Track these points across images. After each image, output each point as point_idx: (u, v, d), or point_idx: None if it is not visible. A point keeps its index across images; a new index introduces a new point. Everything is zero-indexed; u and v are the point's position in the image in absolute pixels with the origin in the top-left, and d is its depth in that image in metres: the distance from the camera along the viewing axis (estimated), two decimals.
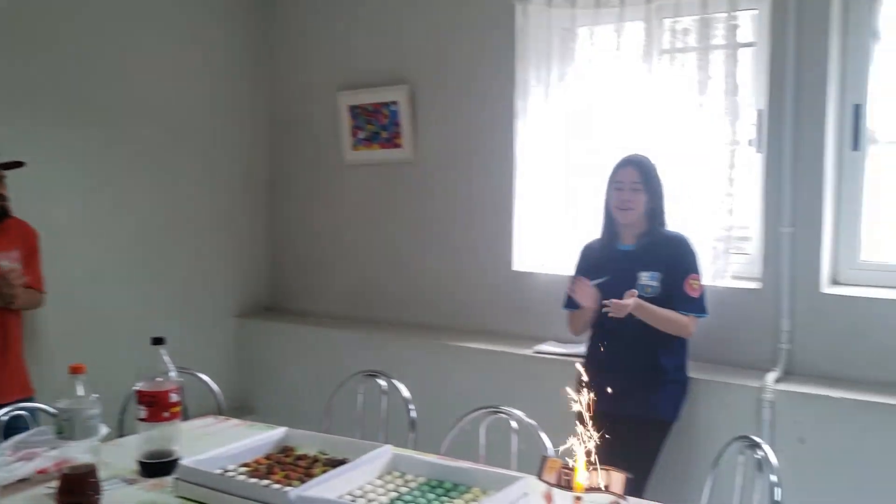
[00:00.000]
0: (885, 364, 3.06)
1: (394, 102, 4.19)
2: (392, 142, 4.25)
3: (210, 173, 4.56)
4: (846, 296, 3.16)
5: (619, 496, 1.45)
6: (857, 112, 3.20)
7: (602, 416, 3.08)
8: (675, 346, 3.07)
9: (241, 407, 4.56)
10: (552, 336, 3.74)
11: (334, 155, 4.51)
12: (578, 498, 1.47)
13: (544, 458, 1.55)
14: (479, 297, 4.07)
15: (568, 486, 1.51)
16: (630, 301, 2.90)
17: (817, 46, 3.14)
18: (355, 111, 4.34)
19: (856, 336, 3.11)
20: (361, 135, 4.35)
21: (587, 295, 3.03)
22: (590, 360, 3.21)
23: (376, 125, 4.29)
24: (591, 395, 3.17)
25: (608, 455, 3.04)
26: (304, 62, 4.65)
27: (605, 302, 2.93)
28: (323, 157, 4.59)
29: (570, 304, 3.19)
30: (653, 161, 3.13)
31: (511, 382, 3.61)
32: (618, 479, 1.46)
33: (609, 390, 3.03)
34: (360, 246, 4.52)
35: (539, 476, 1.55)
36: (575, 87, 3.67)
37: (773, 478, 2.10)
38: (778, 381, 3.11)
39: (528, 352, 3.65)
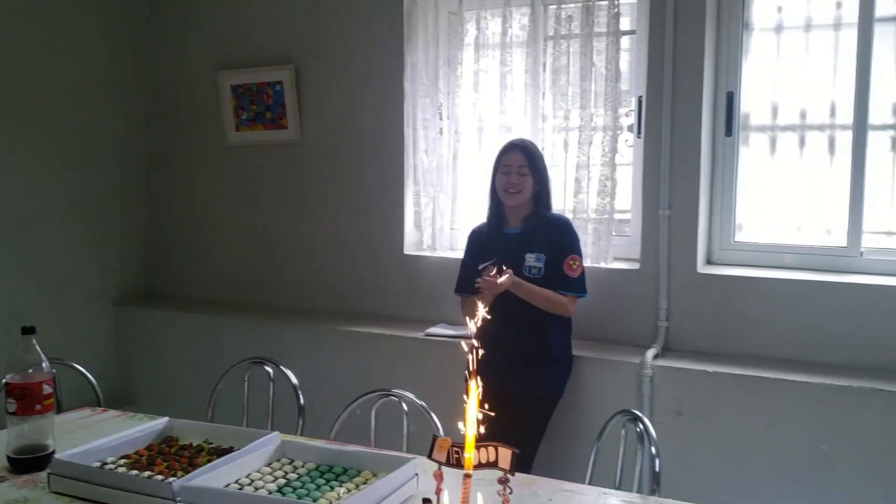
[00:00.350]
0: (757, 339, 3.23)
1: (278, 82, 4.09)
2: (277, 123, 4.16)
3: (84, 155, 4.34)
4: (720, 275, 3.31)
5: (508, 471, 1.47)
6: (730, 99, 3.35)
7: (490, 394, 3.14)
8: (560, 325, 3.15)
9: (120, 398, 4.39)
10: (443, 318, 3.76)
11: (216, 136, 4.38)
12: (468, 475, 1.48)
13: (434, 438, 1.55)
14: (369, 280, 4.05)
15: (458, 465, 1.52)
16: (504, 279, 2.94)
17: (693, 36, 3.26)
18: (238, 91, 4.22)
19: (730, 313, 3.27)
20: (245, 115, 4.24)
21: (493, 286, 3.05)
22: (480, 341, 3.25)
23: (260, 105, 4.18)
24: (479, 374, 3.22)
25: (495, 432, 3.11)
26: (183, 40, 4.48)
27: (478, 280, 2.97)
28: (204, 138, 4.45)
29: (462, 289, 3.22)
30: (537, 146, 3.19)
31: (402, 366, 3.61)
32: (506, 454, 1.48)
33: (496, 369, 3.12)
34: (245, 230, 4.41)
35: (429, 456, 1.55)
36: (463, 72, 3.70)
37: (653, 449, 2.18)
38: (657, 357, 3.24)
39: (419, 335, 3.66)
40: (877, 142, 3.18)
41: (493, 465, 1.50)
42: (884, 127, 3.18)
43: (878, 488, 2.83)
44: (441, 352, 3.52)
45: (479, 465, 1.50)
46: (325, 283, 4.18)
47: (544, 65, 3.53)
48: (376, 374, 3.44)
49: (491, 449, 1.50)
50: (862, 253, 3.20)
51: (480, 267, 3.12)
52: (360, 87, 3.99)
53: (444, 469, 1.55)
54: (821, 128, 3.30)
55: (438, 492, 1.52)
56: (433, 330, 3.68)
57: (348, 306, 4.10)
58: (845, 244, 3.23)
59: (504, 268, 2.98)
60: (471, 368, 1.59)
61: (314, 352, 3.86)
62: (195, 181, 4.54)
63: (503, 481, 1.48)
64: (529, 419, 3.09)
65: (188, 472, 1.95)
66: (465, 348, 1.68)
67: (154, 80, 4.60)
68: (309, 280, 4.23)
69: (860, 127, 3.16)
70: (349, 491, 1.91)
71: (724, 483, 3.05)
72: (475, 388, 1.54)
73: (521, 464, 2.98)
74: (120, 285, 4.61)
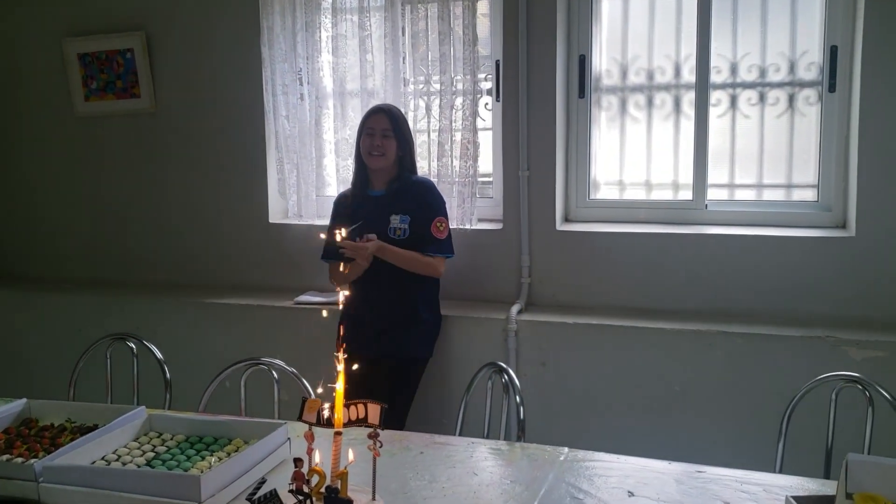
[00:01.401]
0: (613, 290, 3.40)
1: (129, 50, 3.92)
2: (129, 92, 3.99)
3: None
4: (577, 231, 3.46)
5: (377, 426, 1.52)
6: (582, 62, 3.47)
7: (362, 358, 3.18)
8: (428, 286, 3.22)
9: None
10: (312, 286, 3.75)
11: (64, 106, 4.16)
12: (338, 433, 1.52)
13: (304, 400, 1.58)
14: (235, 251, 3.98)
15: (328, 424, 1.55)
16: (369, 244, 2.98)
17: (546, 0, 3.34)
18: (86, 59, 4.02)
19: (587, 267, 3.43)
20: (94, 84, 4.04)
21: (359, 251, 3.05)
22: (349, 306, 3.28)
23: (110, 74, 4.00)
24: (350, 339, 3.25)
25: (369, 395, 3.16)
26: (24, 4, 4.19)
27: (340, 243, 2.97)
28: (51, 109, 4.22)
29: (329, 255, 3.22)
30: (401, 111, 3.23)
31: (273, 335, 3.59)
32: (374, 410, 1.53)
33: (365, 333, 3.16)
34: (99, 203, 4.22)
35: (300, 417, 1.58)
36: (321, 36, 3.66)
37: (518, 398, 2.28)
38: (521, 312, 3.36)
39: (289, 303, 3.64)
40: (718, 100, 3.39)
41: (362, 421, 1.54)
42: (723, 85, 3.39)
43: (727, 422, 3.07)
44: (311, 319, 3.52)
45: (349, 423, 1.53)
46: (188, 256, 4.08)
47: (403, 29, 3.54)
48: (246, 346, 3.40)
49: (360, 406, 1.53)
50: (706, 205, 3.42)
51: (347, 230, 3.14)
52: (215, 53, 3.88)
53: (316, 430, 1.58)
54: (667, 88, 3.48)
55: (310, 452, 1.55)
56: (302, 298, 3.67)
57: (215, 278, 4.02)
58: (691, 198, 3.44)
59: (366, 234, 3.01)
60: (340, 332, 1.62)
61: (180, 326, 3.77)
62: (44, 155, 4.30)
63: (373, 436, 1.52)
64: (401, 381, 3.15)
65: (51, 453, 1.89)
66: (327, 314, 1.70)
67: None
68: (172, 253, 4.11)
69: (702, 86, 3.36)
70: (221, 459, 1.91)
71: (588, 426, 3.22)
72: (343, 350, 1.58)
73: (394, 422, 3.04)
74: None
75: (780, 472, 2.24)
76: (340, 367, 1.55)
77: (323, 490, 1.45)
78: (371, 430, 1.52)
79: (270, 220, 3.88)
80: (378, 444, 1.51)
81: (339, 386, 1.53)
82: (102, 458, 1.94)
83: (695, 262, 3.29)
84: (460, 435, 2.29)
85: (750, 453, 2.87)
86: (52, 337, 4.03)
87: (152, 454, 1.97)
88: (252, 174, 3.88)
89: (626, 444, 3.10)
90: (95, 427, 2.10)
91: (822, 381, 2.31)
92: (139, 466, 1.90)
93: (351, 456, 1.50)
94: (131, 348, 2.81)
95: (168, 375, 2.75)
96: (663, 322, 3.18)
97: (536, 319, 3.30)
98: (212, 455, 1.95)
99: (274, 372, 2.54)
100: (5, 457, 1.94)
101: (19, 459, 1.91)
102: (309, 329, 3.49)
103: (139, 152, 4.10)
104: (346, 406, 1.54)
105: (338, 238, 2.91)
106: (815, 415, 2.34)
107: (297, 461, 1.49)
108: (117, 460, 1.94)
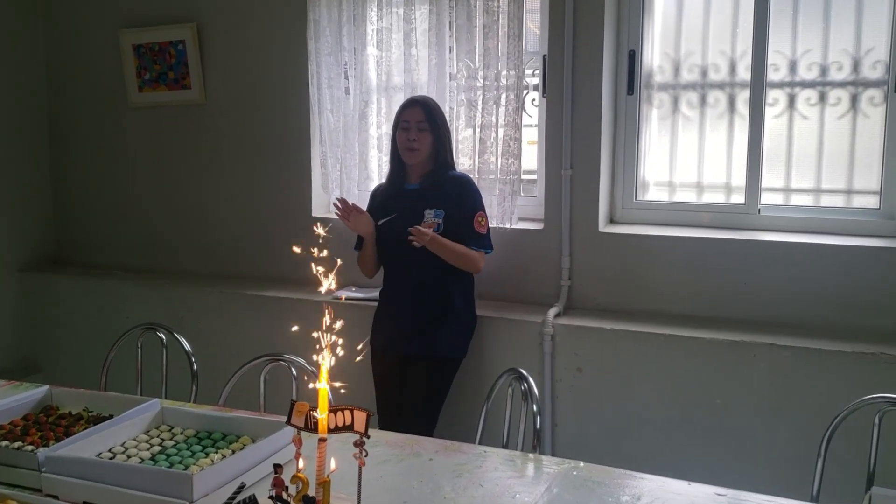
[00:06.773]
0: (657, 296, 3.27)
1: (180, 41, 3.96)
2: (180, 83, 4.03)
3: None
4: (621, 233, 3.34)
5: (363, 434, 1.46)
6: (632, 58, 3.34)
7: (393, 356, 3.15)
8: (463, 285, 3.15)
9: (26, 366, 4.28)
10: (351, 282, 3.73)
11: (119, 97, 4.24)
12: (323, 439, 1.47)
13: (293, 403, 1.53)
14: (276, 243, 3.98)
15: (315, 429, 1.50)
16: (429, 230, 2.93)
17: None
18: (140, 50, 4.08)
19: (630, 271, 3.31)
20: (147, 76, 4.11)
21: (360, 221, 3.04)
22: (382, 302, 3.25)
23: (163, 65, 4.05)
24: (383, 336, 3.21)
25: (400, 394, 3.12)
26: None
27: (411, 229, 2.93)
28: (107, 100, 4.30)
29: (360, 245, 3.20)
30: (436, 103, 3.16)
31: (309, 329, 3.57)
32: (361, 417, 1.47)
33: (399, 330, 3.13)
34: (150, 193, 4.29)
35: (288, 421, 1.53)
36: (367, 30, 3.62)
37: (535, 407, 2.19)
38: (558, 315, 3.26)
39: (326, 297, 3.62)
40: (774, 99, 3.22)
41: (348, 428, 1.48)
42: (781, 84, 3.22)
43: (769, 439, 2.91)
44: (349, 315, 3.46)
45: (334, 429, 1.48)
46: (233, 247, 4.11)
47: (450, 23, 3.47)
48: (282, 339, 3.38)
49: (346, 412, 1.48)
50: (759, 210, 3.26)
51: (380, 222, 3.11)
52: (263, 46, 3.89)
53: (304, 434, 1.53)
54: (721, 86, 3.32)
55: (297, 457, 1.51)
56: (341, 293, 3.64)
57: (256, 270, 4.04)
58: (743, 201, 3.28)
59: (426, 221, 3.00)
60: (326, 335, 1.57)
61: (220, 316, 3.80)
62: (100, 143, 4.39)
63: (359, 444, 1.47)
64: (433, 381, 3.09)
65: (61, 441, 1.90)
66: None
67: (53, 39, 4.41)
68: (217, 243, 4.15)
69: (758, 84, 3.20)
70: (224, 457, 1.89)
71: (623, 436, 3.11)
72: (327, 348, 1.53)
73: (425, 426, 3.01)
74: (25, 252, 4.46)
75: (816, 497, 2.10)
76: (325, 366, 1.50)
77: (302, 499, 1.41)
78: (357, 437, 1.47)
79: (313, 214, 3.87)
80: (363, 454, 1.46)
81: (324, 392, 1.48)
82: (109, 450, 1.94)
83: (745, 270, 3.14)
84: (481, 443, 2.22)
85: (790, 474, 2.73)
86: (103, 323, 4.11)
87: (159, 448, 1.96)
88: (296, 167, 3.88)
89: (663, 457, 3.00)
90: (111, 417, 2.11)
91: (865, 402, 2.16)
92: (143, 460, 1.89)
93: (333, 465, 1.45)
94: (161, 339, 2.82)
95: (195, 367, 2.76)
96: (707, 331, 3.03)
97: (574, 324, 3.19)
98: (216, 452, 1.93)
99: (293, 369, 2.51)
100: (17, 444, 1.96)
101: (30, 447, 1.93)
102: (345, 324, 3.45)
103: (190, 143, 4.15)
104: (333, 411, 1.48)
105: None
106: (859, 438, 2.19)
107: (277, 467, 1.45)
108: (123, 453, 1.94)
